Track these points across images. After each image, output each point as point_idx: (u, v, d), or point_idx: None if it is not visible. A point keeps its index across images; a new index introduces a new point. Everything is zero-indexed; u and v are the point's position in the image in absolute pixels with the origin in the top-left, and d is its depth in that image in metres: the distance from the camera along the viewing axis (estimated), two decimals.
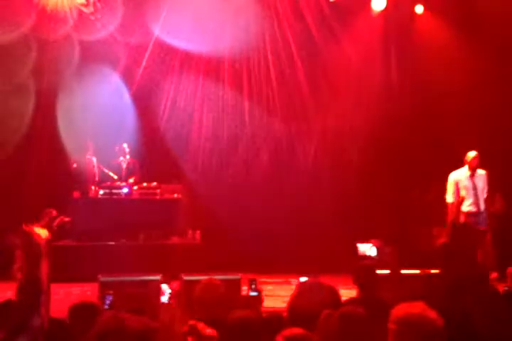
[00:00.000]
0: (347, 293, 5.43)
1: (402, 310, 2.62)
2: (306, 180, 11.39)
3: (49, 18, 10.49)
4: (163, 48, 11.37)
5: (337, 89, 11.52)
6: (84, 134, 10.76)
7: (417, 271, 7.15)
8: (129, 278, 7.06)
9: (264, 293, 7.21)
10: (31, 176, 10.69)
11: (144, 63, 11.31)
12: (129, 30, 11.00)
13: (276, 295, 7.94)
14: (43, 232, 2.77)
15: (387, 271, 6.99)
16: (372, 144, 11.46)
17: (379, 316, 2.84)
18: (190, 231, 10.50)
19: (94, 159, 10.81)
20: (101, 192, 10.57)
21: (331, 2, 11.45)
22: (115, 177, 10.87)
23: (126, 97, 11.49)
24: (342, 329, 3.23)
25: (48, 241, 2.91)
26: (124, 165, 10.95)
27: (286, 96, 11.74)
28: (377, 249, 9.47)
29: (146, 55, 11.29)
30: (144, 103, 11.56)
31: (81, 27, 10.65)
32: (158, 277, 6.97)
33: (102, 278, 6.89)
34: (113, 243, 10.07)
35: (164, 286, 6.91)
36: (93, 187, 10.60)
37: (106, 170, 10.87)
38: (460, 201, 8.44)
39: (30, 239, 2.67)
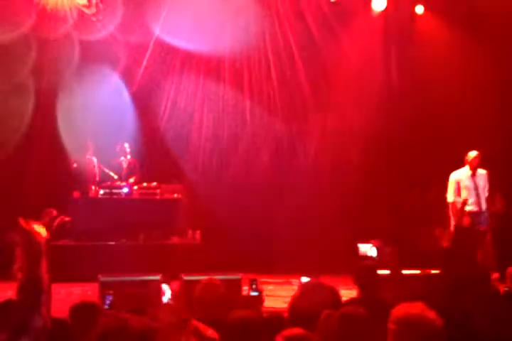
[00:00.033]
0: (347, 293, 5.43)
1: (401, 310, 2.62)
2: (306, 180, 11.39)
3: (49, 17, 10.48)
4: (164, 48, 11.37)
5: (337, 89, 11.52)
6: (84, 134, 10.77)
7: (418, 272, 7.15)
8: (129, 278, 7.06)
9: (264, 293, 7.21)
10: (31, 176, 10.69)
11: (144, 63, 11.31)
12: (129, 29, 11.00)
13: (277, 295, 7.93)
14: (42, 230, 2.77)
15: (388, 272, 6.99)
16: (372, 144, 11.46)
17: (379, 316, 2.84)
18: (190, 231, 10.50)
19: (95, 159, 10.82)
20: (101, 192, 10.58)
21: (332, 2, 11.46)
22: (115, 177, 10.88)
23: (127, 97, 11.49)
24: (342, 329, 3.22)
25: (47, 241, 2.90)
26: (125, 165, 10.97)
27: (286, 96, 11.73)
28: (378, 249, 9.47)
29: (147, 55, 11.29)
30: (144, 103, 11.56)
31: (81, 27, 10.65)
32: (158, 277, 6.96)
33: (102, 278, 6.89)
34: (113, 243, 10.07)
35: (164, 286, 6.91)
36: (93, 187, 10.60)
37: (106, 170, 10.87)
38: (463, 203, 8.45)
39: (30, 237, 2.66)
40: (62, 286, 7.81)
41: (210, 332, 3.52)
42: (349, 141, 11.61)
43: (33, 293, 2.60)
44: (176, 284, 7.11)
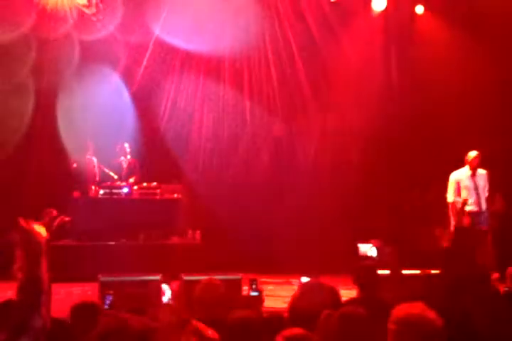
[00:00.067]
0: (347, 293, 5.43)
1: (401, 310, 2.62)
2: (306, 180, 11.39)
3: (49, 17, 10.48)
4: (164, 48, 11.37)
5: (337, 89, 11.52)
6: (84, 134, 10.77)
7: (417, 272, 7.14)
8: (129, 278, 7.05)
9: (264, 293, 7.21)
10: (31, 176, 10.69)
11: (144, 63, 11.31)
12: (129, 29, 11.00)
13: (277, 295, 7.93)
14: (42, 230, 2.76)
15: (388, 271, 6.99)
16: (372, 144, 11.46)
17: (379, 316, 2.84)
18: (190, 231, 10.49)
19: (95, 159, 10.82)
20: (101, 191, 10.57)
21: (332, 2, 11.45)
22: (115, 176, 10.89)
23: (127, 97, 11.49)
24: (342, 329, 3.22)
25: (48, 241, 2.90)
26: (125, 165, 10.98)
27: (286, 96, 11.73)
28: (378, 249, 9.47)
29: (147, 55, 11.28)
30: (144, 103, 11.56)
31: (81, 26, 10.65)
32: (158, 277, 6.96)
33: (102, 278, 6.88)
34: (113, 243, 10.06)
35: (164, 286, 6.91)
36: (93, 187, 10.60)
37: (106, 170, 10.87)
38: (463, 203, 8.45)
39: (30, 236, 2.66)
40: (62, 286, 7.81)
41: (210, 333, 3.52)
42: (349, 141, 11.61)
43: (33, 293, 2.59)
44: (175, 284, 7.11)
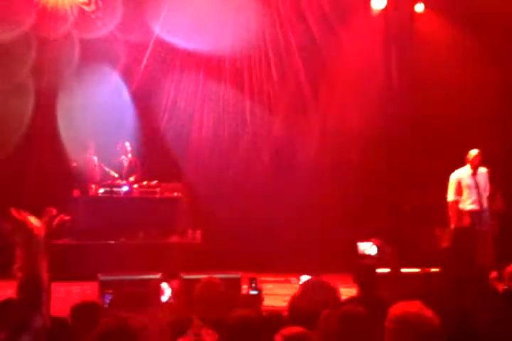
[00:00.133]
0: (347, 291, 5.43)
1: (399, 308, 2.63)
2: (307, 180, 11.38)
3: (49, 16, 10.48)
4: (164, 47, 11.37)
5: (337, 89, 11.52)
6: (84, 134, 10.77)
7: (417, 270, 7.15)
8: (129, 277, 7.06)
9: (264, 291, 7.22)
10: (31, 176, 10.68)
11: (144, 62, 11.31)
12: (129, 28, 11.00)
13: (277, 294, 7.94)
14: (34, 221, 2.75)
15: (387, 270, 7.00)
16: (372, 144, 11.45)
17: (379, 315, 2.84)
18: (190, 231, 10.50)
19: (95, 158, 10.82)
20: (101, 190, 10.58)
21: (331, 1, 11.43)
22: (116, 175, 10.90)
23: (127, 96, 11.49)
24: (342, 328, 3.23)
25: (46, 236, 2.90)
26: (126, 164, 10.99)
27: (286, 96, 11.73)
28: (378, 248, 9.46)
29: (147, 54, 11.28)
30: (145, 102, 11.56)
31: (81, 25, 10.64)
32: (158, 276, 6.97)
33: (102, 277, 6.89)
34: (113, 242, 10.07)
35: (164, 285, 6.91)
36: (93, 186, 10.60)
37: (107, 169, 10.89)
38: (456, 202, 8.46)
39: (22, 227, 2.66)
40: (62, 285, 7.82)
41: (209, 331, 3.53)
42: (349, 141, 11.60)
43: (33, 292, 2.59)
44: (175, 283, 7.11)
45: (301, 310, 3.72)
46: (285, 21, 11.53)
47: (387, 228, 10.67)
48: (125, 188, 10.61)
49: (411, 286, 6.47)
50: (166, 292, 6.84)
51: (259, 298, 6.89)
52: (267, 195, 11.27)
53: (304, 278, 6.57)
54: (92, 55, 10.74)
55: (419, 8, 11.69)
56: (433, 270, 6.99)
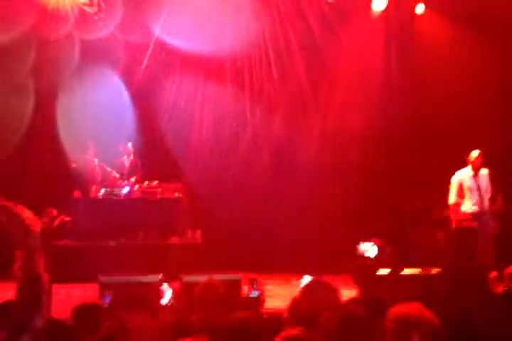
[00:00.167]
0: (347, 293, 5.44)
1: (399, 309, 2.64)
2: (307, 180, 11.38)
3: (50, 16, 10.48)
4: (164, 47, 11.36)
5: (337, 89, 11.52)
6: (84, 134, 10.77)
7: (417, 271, 7.14)
8: (129, 278, 7.06)
9: (265, 293, 7.20)
10: (31, 176, 10.68)
11: (144, 63, 11.31)
12: (129, 29, 11.00)
13: (276, 294, 7.94)
14: (28, 213, 2.74)
15: (387, 271, 6.99)
16: (372, 144, 11.45)
17: (379, 316, 2.84)
18: (190, 231, 10.49)
19: (96, 160, 10.82)
20: (102, 190, 10.58)
21: (332, 1, 11.42)
22: (117, 175, 10.91)
23: (127, 97, 11.49)
24: (342, 329, 3.23)
25: (46, 235, 2.89)
26: (127, 164, 11.00)
27: (286, 95, 11.73)
28: (379, 248, 9.43)
29: (147, 54, 11.28)
30: (145, 102, 11.55)
31: (82, 25, 10.64)
32: (158, 277, 6.96)
33: (102, 279, 6.89)
34: (113, 243, 10.07)
35: (164, 286, 6.91)
36: (94, 187, 10.60)
37: (108, 169, 10.89)
38: (458, 204, 8.45)
39: (23, 224, 2.65)
40: (63, 287, 7.81)
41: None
42: (349, 141, 11.60)
43: (33, 293, 2.59)
44: (175, 284, 7.11)
45: (302, 311, 3.72)
46: (285, 21, 11.52)
47: (388, 228, 10.67)
48: (126, 190, 10.61)
49: (411, 287, 6.46)
50: (167, 293, 6.83)
51: (259, 300, 6.88)
52: (267, 195, 11.27)
53: (306, 278, 6.55)
54: (93, 55, 10.73)
55: (420, 8, 11.68)
56: (433, 271, 6.98)
